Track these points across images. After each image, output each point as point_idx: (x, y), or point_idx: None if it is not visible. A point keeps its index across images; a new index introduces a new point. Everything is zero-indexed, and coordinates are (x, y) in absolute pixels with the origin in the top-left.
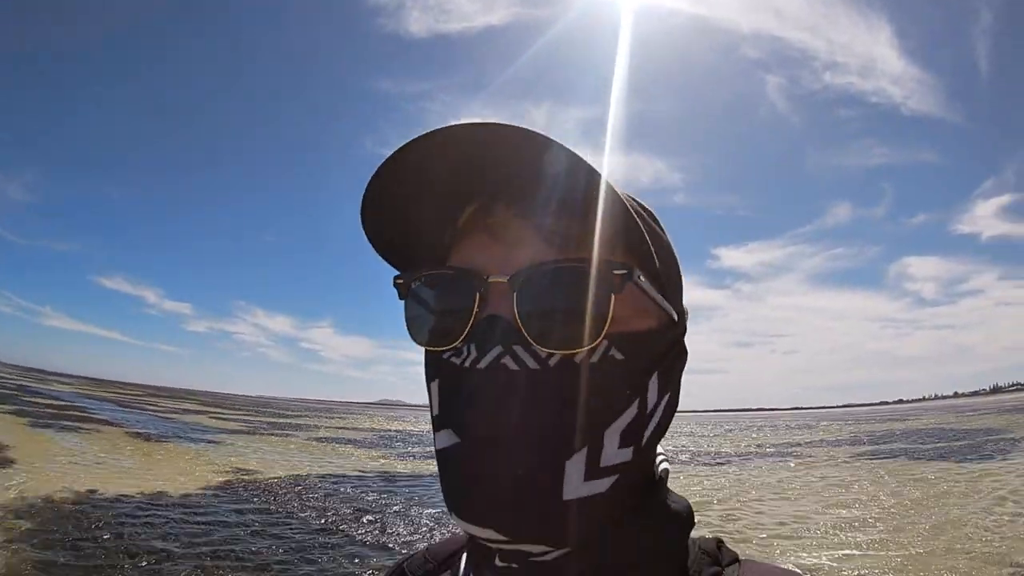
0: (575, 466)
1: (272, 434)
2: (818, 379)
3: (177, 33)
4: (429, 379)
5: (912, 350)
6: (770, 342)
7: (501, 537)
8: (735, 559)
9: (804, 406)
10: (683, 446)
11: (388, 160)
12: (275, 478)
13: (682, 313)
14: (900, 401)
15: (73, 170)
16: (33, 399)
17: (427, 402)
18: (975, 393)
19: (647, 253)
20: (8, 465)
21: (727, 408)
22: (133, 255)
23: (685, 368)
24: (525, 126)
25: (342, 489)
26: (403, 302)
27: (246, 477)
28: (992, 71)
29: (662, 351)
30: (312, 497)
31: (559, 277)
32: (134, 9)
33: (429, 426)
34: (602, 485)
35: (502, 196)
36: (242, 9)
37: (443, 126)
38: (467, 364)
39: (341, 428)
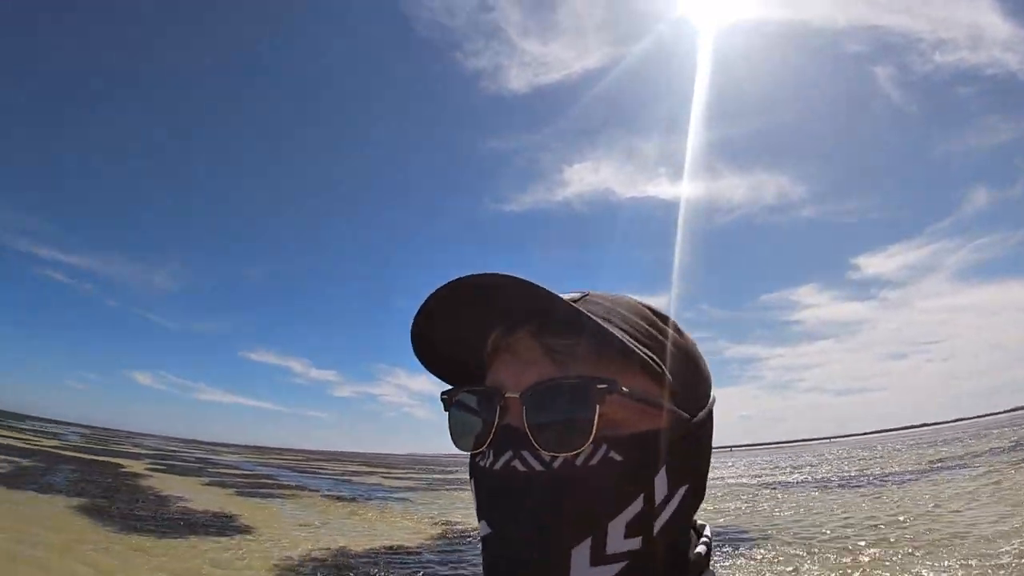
0: (580, 553)
1: (448, 489)
2: (983, 382)
3: (290, 117)
4: (470, 477)
5: None
6: (926, 350)
7: None
8: None
9: (968, 416)
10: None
11: (422, 310)
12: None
13: (699, 409)
14: None
15: (211, 256)
16: (219, 470)
17: None
18: None
19: (644, 363)
20: (251, 532)
21: (888, 428)
22: (276, 329)
23: (710, 454)
24: (523, 278)
25: None
26: (447, 413)
27: (459, 527)
28: None
29: (669, 448)
30: None
31: (555, 392)
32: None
33: None
34: (610, 570)
35: (519, 323)
36: (348, 91)
37: (456, 279)
38: (487, 466)
39: None
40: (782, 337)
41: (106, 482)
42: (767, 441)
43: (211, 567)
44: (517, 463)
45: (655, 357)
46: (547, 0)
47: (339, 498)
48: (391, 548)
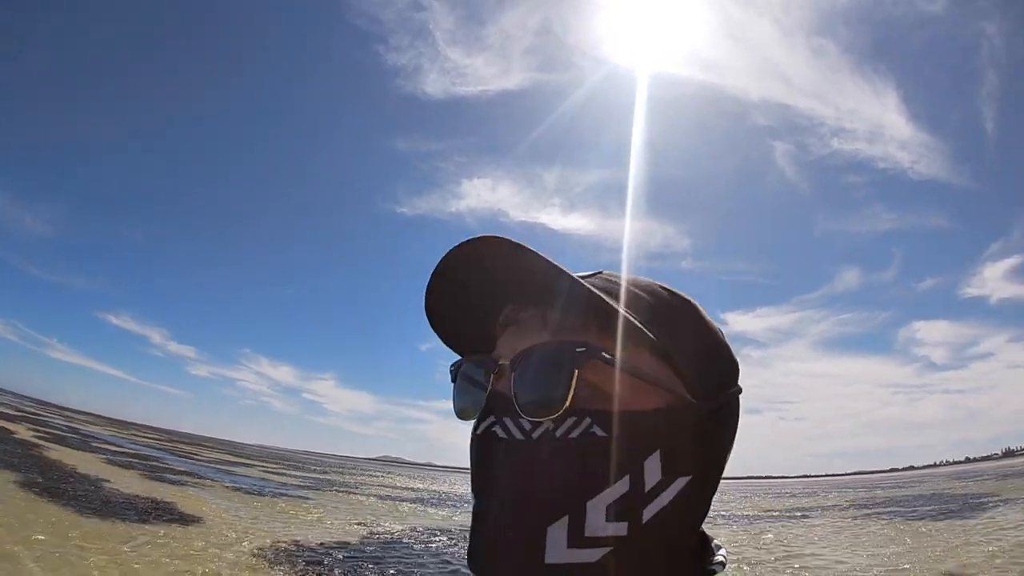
0: (557, 532)
1: (338, 491)
2: (828, 446)
3: (201, 88)
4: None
5: (924, 415)
6: (779, 409)
7: None
8: None
9: (813, 474)
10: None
11: (436, 276)
12: (399, 530)
13: (712, 396)
14: (911, 467)
15: (94, 207)
16: (102, 445)
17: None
18: (987, 457)
19: (637, 333)
20: (202, 522)
21: (734, 476)
22: (144, 295)
23: (726, 451)
24: (540, 254)
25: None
26: (453, 385)
27: (380, 529)
28: (998, 133)
29: (666, 431)
30: (439, 543)
31: (539, 357)
32: (173, 67)
33: (461, 488)
34: (590, 555)
35: (531, 300)
36: (268, 64)
37: (471, 238)
38: (472, 433)
39: (387, 487)
40: None
41: (18, 453)
42: None
43: (202, 555)
44: (497, 428)
45: (650, 329)
46: (480, 13)
47: (246, 491)
48: (342, 543)
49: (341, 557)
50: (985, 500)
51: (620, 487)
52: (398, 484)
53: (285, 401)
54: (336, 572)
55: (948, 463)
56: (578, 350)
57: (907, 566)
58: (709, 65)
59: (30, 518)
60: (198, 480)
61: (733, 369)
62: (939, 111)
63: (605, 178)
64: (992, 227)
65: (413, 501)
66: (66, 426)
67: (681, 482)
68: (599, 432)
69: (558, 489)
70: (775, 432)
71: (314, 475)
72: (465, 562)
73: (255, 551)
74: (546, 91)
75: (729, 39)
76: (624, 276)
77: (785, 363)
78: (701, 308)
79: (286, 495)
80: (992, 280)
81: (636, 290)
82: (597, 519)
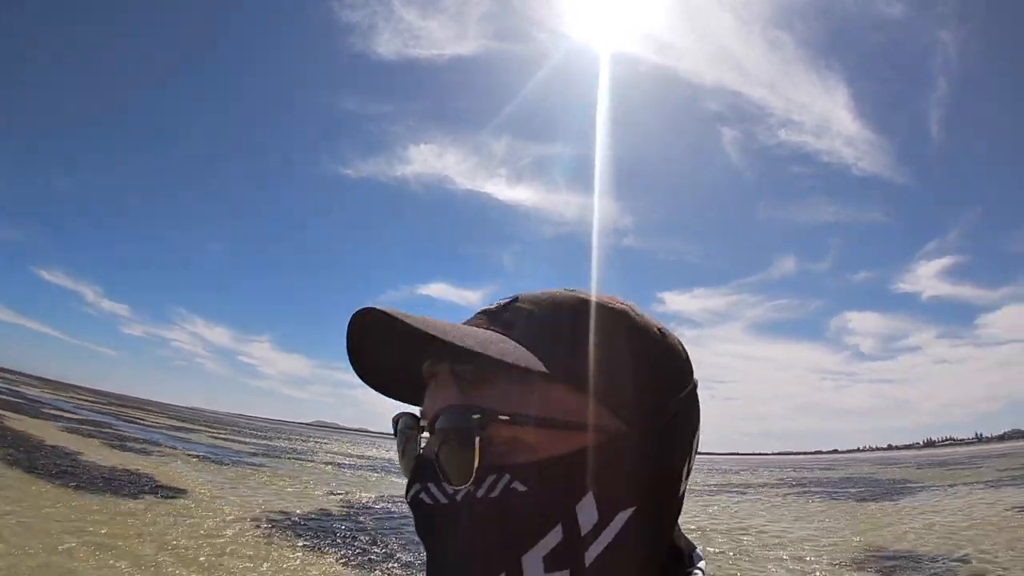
0: None
1: (294, 459)
2: (757, 426)
3: (138, 35)
4: None
5: (850, 402)
6: (711, 387)
7: None
8: None
9: (742, 452)
10: None
11: (349, 348)
12: (373, 498)
13: (651, 414)
14: (835, 451)
15: (25, 155)
16: (51, 411)
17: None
18: (909, 446)
19: (561, 375)
20: (187, 494)
21: None
22: (76, 250)
23: (679, 465)
24: (415, 321)
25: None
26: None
27: (351, 497)
28: (942, 138)
29: (596, 469)
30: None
31: (446, 421)
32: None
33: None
34: None
35: (439, 355)
36: (212, 10)
37: (356, 313)
38: (405, 496)
39: (340, 454)
40: None
41: None
42: None
43: (207, 528)
44: (424, 496)
45: (566, 362)
46: None
47: (211, 460)
48: (326, 512)
49: (343, 528)
50: (908, 485)
51: (553, 537)
52: (350, 452)
53: (219, 363)
54: (344, 541)
55: (871, 449)
56: (473, 416)
57: (857, 539)
58: (665, 47)
59: (45, 507)
60: (159, 448)
61: (681, 372)
62: (887, 111)
63: (553, 151)
64: (929, 227)
65: (373, 470)
66: (10, 390)
67: (624, 515)
68: (519, 487)
69: (490, 549)
70: (706, 410)
71: (262, 442)
72: None
73: (252, 523)
74: (501, 60)
75: (687, 23)
76: (543, 297)
77: (719, 344)
78: (636, 315)
79: (247, 463)
80: (925, 278)
81: (552, 317)
82: (535, 571)
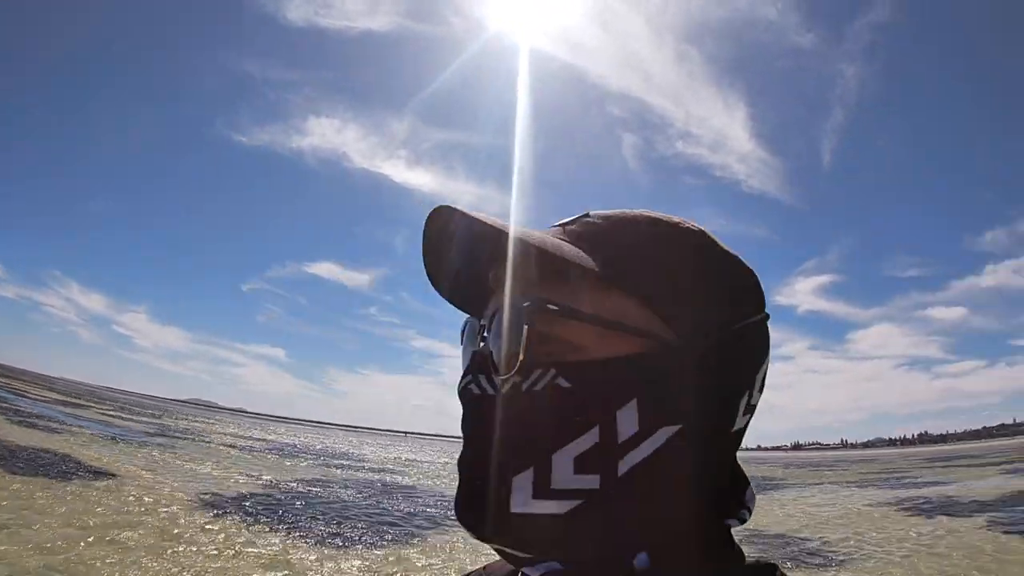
0: (522, 483)
1: (193, 440)
2: None
3: None
4: None
5: None
6: None
7: (470, 535)
8: None
9: None
10: None
11: (425, 252)
12: (292, 480)
13: (706, 333)
14: None
15: None
16: None
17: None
18: (777, 448)
19: (613, 279)
20: (115, 477)
21: None
22: None
23: (737, 391)
24: (489, 224)
25: (331, 488)
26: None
27: (273, 479)
28: (832, 164)
29: (643, 378)
30: (348, 494)
31: (500, 316)
32: None
33: (294, 437)
34: (557, 507)
35: (497, 259)
36: None
37: (433, 210)
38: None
39: (239, 437)
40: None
41: None
42: (445, 433)
43: (144, 509)
44: (473, 386)
45: (622, 269)
46: None
47: (117, 438)
48: (253, 494)
49: (285, 508)
50: (780, 482)
51: (588, 439)
52: (246, 434)
53: (94, 332)
54: (293, 520)
55: (743, 449)
56: (524, 305)
57: (739, 526)
58: (577, 47)
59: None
60: (63, 425)
61: (751, 296)
62: (782, 134)
63: (456, 138)
64: (810, 246)
65: (280, 453)
66: None
67: (668, 432)
68: (564, 383)
69: (523, 440)
70: None
71: (154, 421)
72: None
73: (187, 504)
74: (413, 41)
75: (600, 26)
76: (615, 213)
77: None
78: (710, 237)
79: (151, 443)
80: (802, 292)
81: (617, 230)
82: (564, 471)
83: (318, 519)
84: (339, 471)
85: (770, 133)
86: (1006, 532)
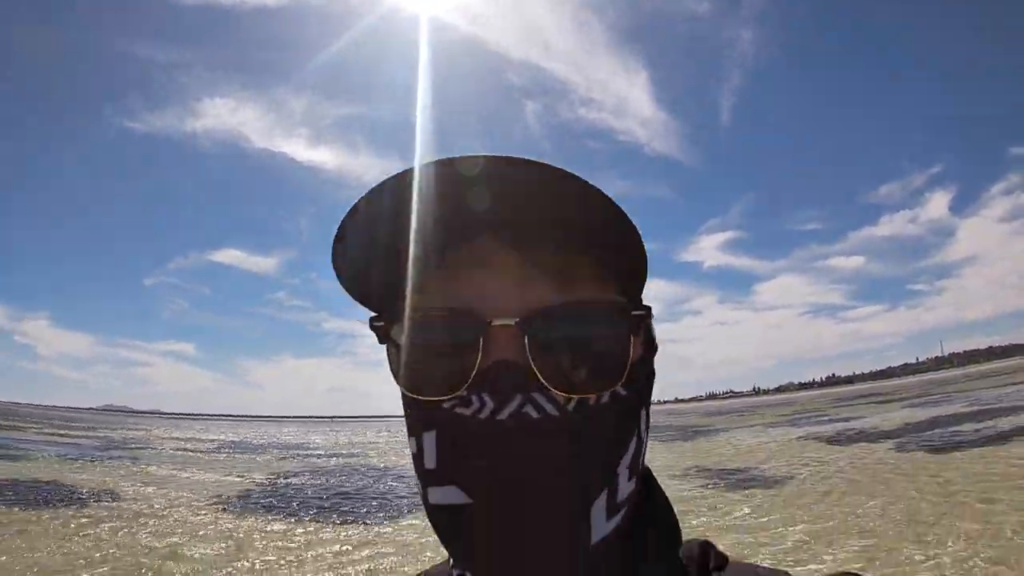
0: (599, 508)
1: (147, 449)
2: None
3: None
4: (420, 430)
5: None
6: None
7: None
8: (724, 562)
9: None
10: None
11: (368, 194)
12: (276, 474)
13: (650, 320)
14: None
15: None
16: None
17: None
18: (694, 399)
19: (643, 281)
20: (118, 496)
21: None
22: None
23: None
24: (526, 157)
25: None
26: (384, 346)
27: (257, 477)
28: (731, 125)
29: (648, 376)
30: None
31: (576, 320)
32: None
33: (233, 434)
34: (618, 519)
35: (498, 229)
36: None
37: (427, 163)
38: (482, 415)
39: (185, 439)
40: None
41: None
42: (362, 414)
43: (173, 519)
44: (530, 408)
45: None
46: None
47: (86, 459)
48: (247, 492)
49: (293, 502)
50: (707, 428)
51: (634, 443)
52: (190, 436)
53: None
54: (303, 511)
55: (659, 402)
56: (635, 313)
57: (687, 463)
58: (476, 17)
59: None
60: (15, 451)
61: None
62: (682, 97)
63: (357, 112)
64: (712, 205)
65: (242, 451)
66: None
67: (646, 414)
68: (622, 391)
69: (599, 462)
70: None
71: (95, 434)
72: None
73: (213, 509)
74: (306, 14)
75: None
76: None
77: None
78: None
79: (116, 457)
80: (707, 249)
81: (610, 216)
82: (624, 483)
83: (364, 505)
84: (320, 460)
85: (671, 97)
86: (908, 451)
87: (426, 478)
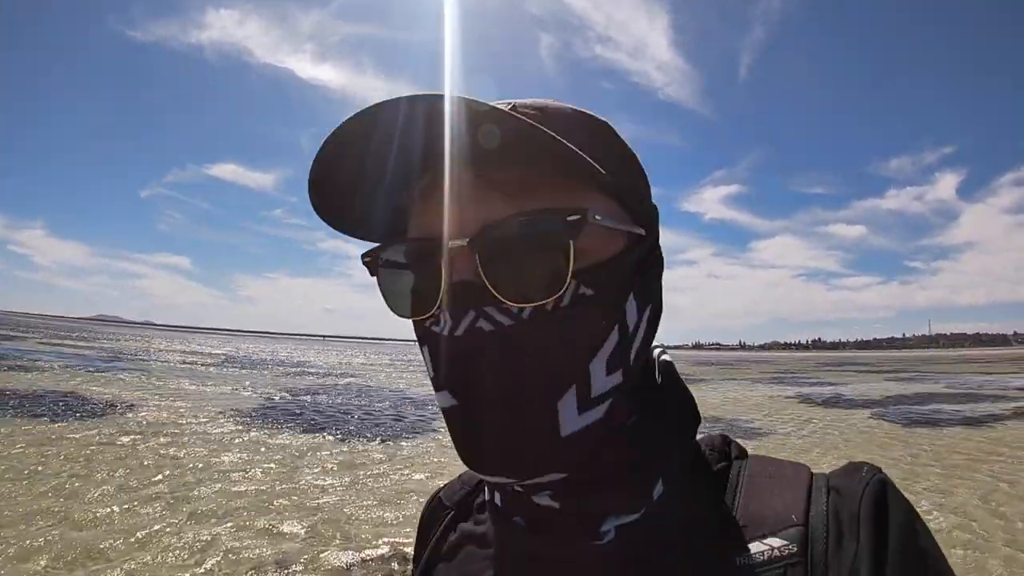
0: (567, 404)
1: (154, 361)
2: None
3: None
4: (420, 345)
5: None
6: None
7: (512, 480)
8: (743, 454)
9: None
10: None
11: (332, 136)
12: (290, 389)
13: (651, 221)
14: None
15: None
16: None
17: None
18: (679, 347)
19: (604, 180)
20: (145, 407)
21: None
22: None
23: (664, 267)
24: (459, 95)
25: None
26: (376, 277)
27: (269, 392)
28: (748, 79)
29: (634, 269)
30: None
31: (516, 232)
32: None
33: (233, 348)
34: (598, 412)
35: (454, 159)
36: None
37: (377, 103)
38: (446, 332)
39: (188, 353)
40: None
41: None
42: (351, 335)
43: (201, 429)
44: (483, 322)
45: (611, 167)
46: None
47: (98, 370)
48: (275, 404)
49: (312, 412)
50: (696, 378)
51: (613, 339)
52: (191, 349)
53: None
54: (323, 419)
55: None
56: (569, 218)
57: None
58: None
59: (50, 452)
60: (23, 361)
61: (649, 185)
62: (702, 46)
63: (366, 32)
64: (721, 157)
65: (246, 366)
66: None
67: (648, 312)
68: (587, 291)
69: (561, 362)
70: None
71: (93, 345)
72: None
73: (230, 419)
74: None
75: None
76: (547, 105)
77: None
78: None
79: (128, 369)
80: (709, 201)
81: (572, 122)
82: (599, 377)
83: (343, 416)
84: (330, 380)
85: (690, 44)
86: (887, 420)
87: (433, 384)
